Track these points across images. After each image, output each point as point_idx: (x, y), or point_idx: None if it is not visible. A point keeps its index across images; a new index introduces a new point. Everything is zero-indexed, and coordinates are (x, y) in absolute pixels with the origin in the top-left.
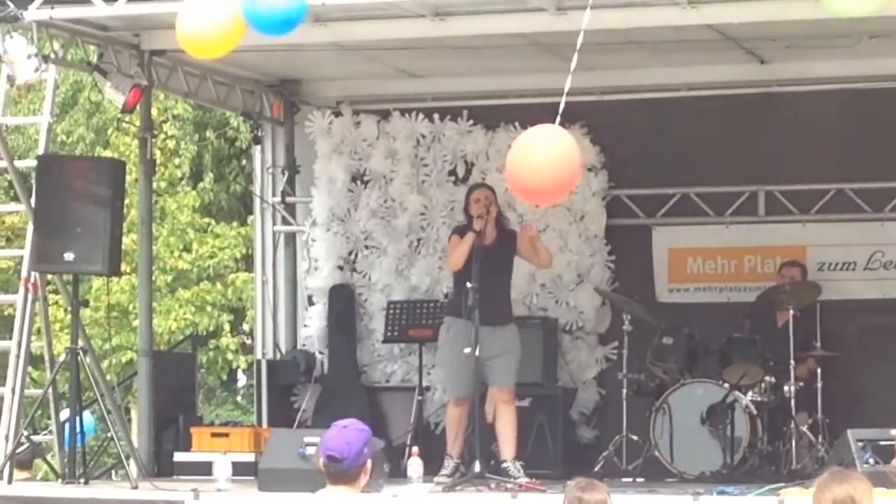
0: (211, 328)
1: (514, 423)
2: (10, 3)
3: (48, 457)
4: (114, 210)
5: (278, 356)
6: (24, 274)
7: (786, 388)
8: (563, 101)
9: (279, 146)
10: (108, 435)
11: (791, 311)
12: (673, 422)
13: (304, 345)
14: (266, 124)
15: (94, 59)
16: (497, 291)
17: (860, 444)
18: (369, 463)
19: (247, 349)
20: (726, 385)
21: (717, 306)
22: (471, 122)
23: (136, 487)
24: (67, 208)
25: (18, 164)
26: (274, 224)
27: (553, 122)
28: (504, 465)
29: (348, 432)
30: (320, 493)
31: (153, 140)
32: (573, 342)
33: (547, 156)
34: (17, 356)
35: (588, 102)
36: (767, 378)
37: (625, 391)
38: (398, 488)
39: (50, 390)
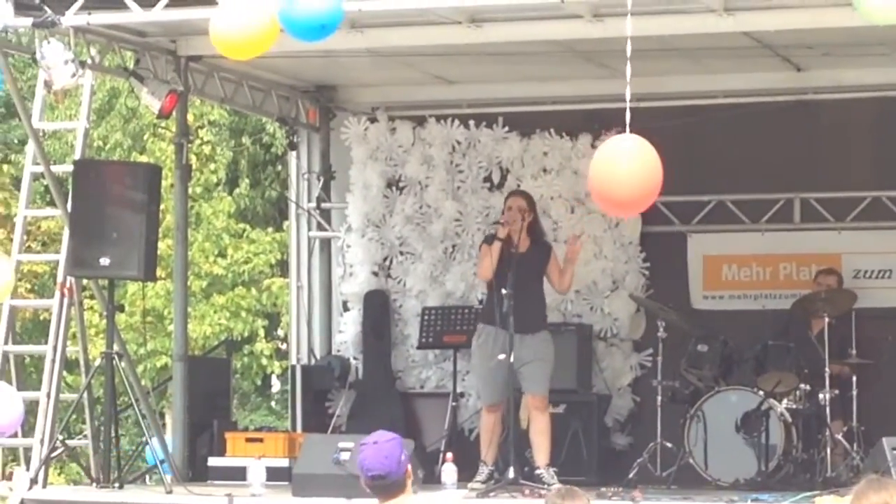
0: (245, 333)
1: (548, 429)
2: (47, 8)
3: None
4: (149, 215)
5: (313, 361)
6: (59, 279)
7: (821, 395)
8: (627, 108)
9: (315, 152)
10: (143, 439)
11: (826, 319)
12: (707, 429)
13: (338, 350)
14: (302, 130)
15: (130, 64)
16: (530, 299)
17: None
18: (410, 466)
19: (281, 354)
20: (761, 392)
21: (751, 314)
22: (506, 128)
23: (170, 492)
24: (103, 213)
25: (55, 168)
26: (309, 230)
27: (595, 130)
28: (538, 471)
29: (381, 447)
30: None
31: (189, 145)
32: (608, 349)
33: (631, 167)
34: (53, 360)
35: (624, 109)
36: (802, 386)
37: (659, 398)
38: (432, 494)
39: (85, 395)
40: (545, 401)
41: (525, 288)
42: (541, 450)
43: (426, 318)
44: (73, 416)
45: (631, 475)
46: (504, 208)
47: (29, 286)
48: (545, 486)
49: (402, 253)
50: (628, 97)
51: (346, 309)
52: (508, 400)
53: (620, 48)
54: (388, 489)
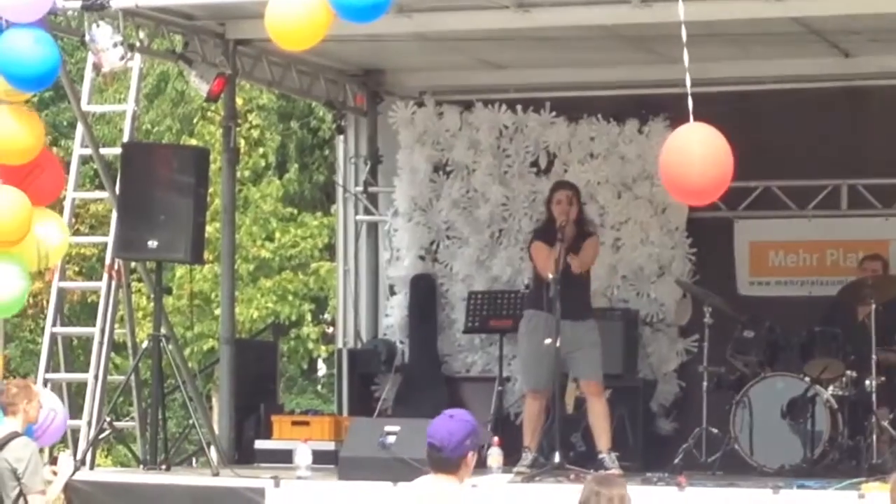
0: (293, 317)
1: (607, 414)
2: None
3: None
4: (197, 198)
5: (359, 345)
6: (107, 261)
7: (867, 382)
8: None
9: (362, 136)
10: (190, 422)
11: (873, 305)
12: (753, 415)
13: (385, 334)
14: (349, 114)
15: (179, 48)
16: (577, 287)
17: None
18: (471, 455)
19: (328, 338)
20: (807, 379)
21: (798, 300)
22: (553, 113)
23: (216, 474)
24: (151, 196)
25: (104, 151)
26: (356, 214)
27: (642, 115)
28: (600, 456)
29: (452, 423)
30: (422, 478)
31: (237, 129)
32: (654, 334)
33: (704, 156)
34: (101, 343)
35: (671, 95)
36: (849, 372)
37: (705, 384)
38: (478, 478)
39: (132, 377)
40: (601, 386)
41: (572, 276)
42: (602, 435)
43: (472, 302)
44: (121, 399)
45: (676, 461)
46: (553, 199)
47: (77, 269)
48: (606, 470)
49: (448, 237)
50: (689, 84)
51: (392, 293)
52: (554, 385)
53: (667, 33)
54: (439, 463)
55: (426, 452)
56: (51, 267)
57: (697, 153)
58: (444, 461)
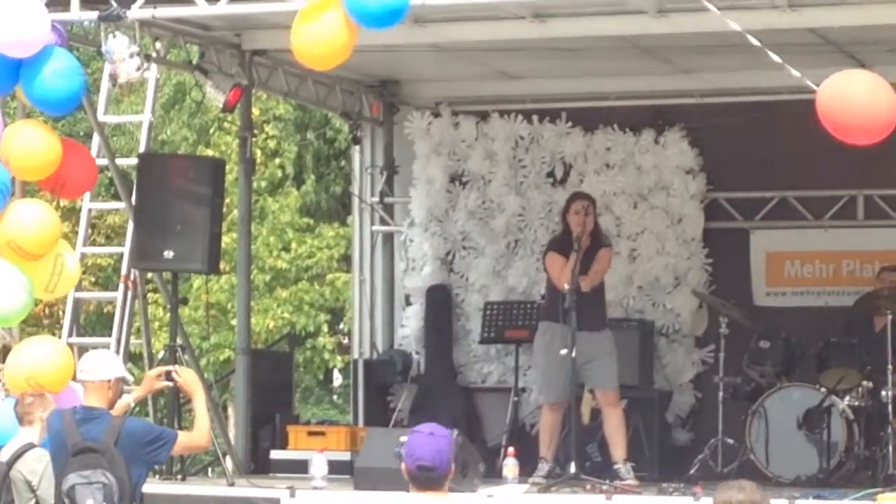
0: (309, 328)
1: (623, 424)
2: (113, 2)
3: None
4: (213, 208)
5: (375, 356)
6: (123, 271)
7: (883, 393)
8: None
9: (378, 146)
10: None
11: (890, 316)
12: (769, 426)
13: (400, 344)
14: (365, 124)
15: (195, 58)
16: (592, 297)
17: None
18: (454, 466)
19: (343, 349)
20: (823, 389)
21: (814, 310)
22: (569, 123)
23: (232, 484)
24: (167, 206)
25: (120, 161)
26: (372, 224)
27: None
28: (615, 466)
29: (437, 440)
30: (411, 499)
31: (254, 140)
32: (669, 345)
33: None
34: (117, 353)
35: (687, 105)
36: (865, 383)
37: (721, 394)
38: (493, 489)
39: None
40: (618, 396)
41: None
42: (618, 445)
43: (488, 312)
44: (136, 409)
45: (692, 471)
46: (570, 210)
47: (93, 279)
48: (621, 480)
49: (464, 248)
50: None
51: (408, 303)
52: (570, 396)
53: (684, 44)
54: (430, 482)
55: (410, 473)
56: (54, 298)
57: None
58: (436, 479)
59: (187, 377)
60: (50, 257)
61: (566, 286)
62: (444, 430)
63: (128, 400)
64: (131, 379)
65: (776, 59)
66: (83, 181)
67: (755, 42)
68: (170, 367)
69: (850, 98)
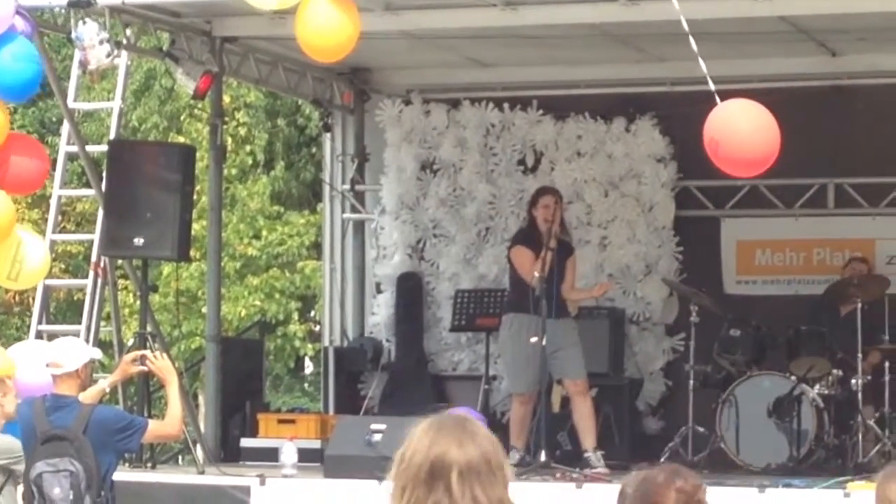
0: (280, 316)
1: (592, 413)
2: None
3: None
4: (183, 195)
5: (346, 343)
6: (93, 259)
7: (853, 381)
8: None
9: (349, 134)
10: None
11: (858, 304)
12: (739, 414)
13: (371, 332)
14: (336, 112)
15: (166, 45)
16: (555, 288)
17: None
18: None
19: (314, 336)
20: (793, 378)
21: (785, 298)
22: (540, 111)
23: (202, 472)
24: (137, 193)
25: (90, 149)
26: (343, 212)
27: (630, 113)
28: (585, 454)
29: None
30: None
31: (224, 127)
32: (640, 333)
33: (754, 128)
34: (87, 341)
35: (658, 93)
36: (835, 371)
37: (691, 383)
38: None
39: None
40: (586, 384)
41: (552, 275)
42: (587, 433)
43: (459, 300)
44: (107, 397)
45: (662, 459)
46: (538, 204)
47: (63, 266)
48: (591, 469)
49: (435, 235)
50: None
51: (379, 291)
52: (542, 386)
53: (655, 31)
54: None
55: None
56: (21, 287)
57: (747, 127)
58: None
59: (161, 364)
60: (9, 244)
61: (536, 274)
62: (476, 416)
63: (102, 385)
64: (100, 355)
65: (695, 47)
66: (29, 177)
67: (685, 27)
68: (145, 352)
69: (738, 132)
